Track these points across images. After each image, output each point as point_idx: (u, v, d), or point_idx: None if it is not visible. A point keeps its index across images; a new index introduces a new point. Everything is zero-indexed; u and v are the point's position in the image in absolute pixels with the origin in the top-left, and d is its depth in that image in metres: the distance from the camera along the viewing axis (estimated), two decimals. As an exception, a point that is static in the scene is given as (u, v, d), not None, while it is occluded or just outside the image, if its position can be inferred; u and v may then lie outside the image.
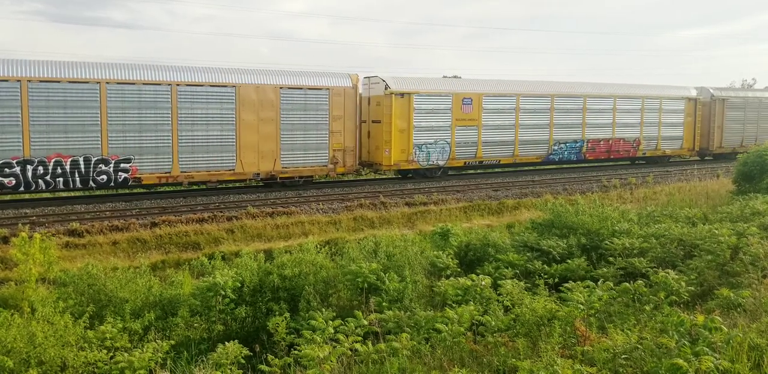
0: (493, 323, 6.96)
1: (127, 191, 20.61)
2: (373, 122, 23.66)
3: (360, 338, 6.47)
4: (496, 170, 28.19)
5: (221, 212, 17.30)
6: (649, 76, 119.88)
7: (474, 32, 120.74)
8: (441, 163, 24.34)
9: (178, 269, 12.65)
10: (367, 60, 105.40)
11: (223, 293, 8.48)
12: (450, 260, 10.35)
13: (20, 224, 14.83)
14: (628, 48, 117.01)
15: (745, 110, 34.22)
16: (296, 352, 6.14)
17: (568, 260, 10.33)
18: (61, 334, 6.94)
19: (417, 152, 23.72)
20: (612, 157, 29.72)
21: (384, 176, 25.49)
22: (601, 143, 29.09)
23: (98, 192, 20.18)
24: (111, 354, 6.93)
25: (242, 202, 18.82)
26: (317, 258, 9.65)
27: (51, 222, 15.87)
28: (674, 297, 7.36)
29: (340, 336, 6.40)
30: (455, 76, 26.64)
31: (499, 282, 8.54)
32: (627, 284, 7.55)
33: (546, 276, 9.50)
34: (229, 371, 6.24)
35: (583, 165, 30.51)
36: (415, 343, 6.47)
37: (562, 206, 12.94)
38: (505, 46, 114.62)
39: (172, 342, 7.35)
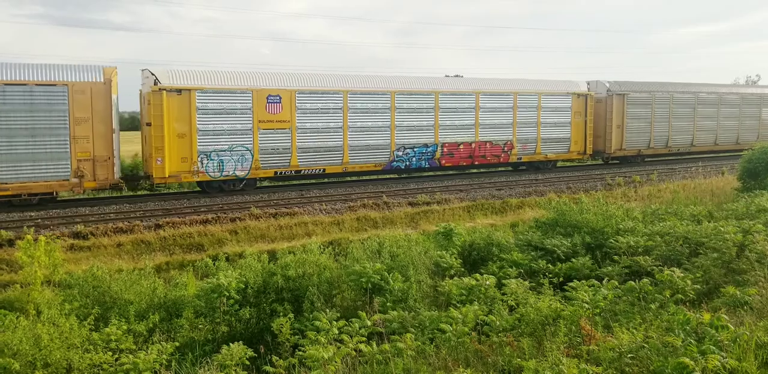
0: (498, 323, 6.94)
1: (131, 193, 20.67)
2: (147, 124, 19.34)
3: (364, 338, 6.46)
4: (500, 169, 27.43)
5: (224, 213, 17.32)
6: (649, 74, 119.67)
7: (474, 31, 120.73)
8: (240, 173, 20.24)
9: (182, 270, 12.66)
10: (367, 60, 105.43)
11: (227, 294, 8.49)
12: (454, 259, 10.33)
13: (25, 227, 14.86)
14: (630, 46, 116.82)
15: (653, 107, 30.02)
16: (301, 353, 6.13)
17: (573, 259, 10.30)
18: (67, 336, 6.95)
19: (205, 161, 19.54)
20: (477, 163, 25.41)
21: (384, 176, 25.41)
22: (461, 147, 24.75)
23: (103, 194, 20.24)
24: (116, 356, 6.94)
25: (245, 203, 18.84)
26: (321, 259, 9.64)
27: (56, 225, 15.91)
28: (680, 296, 7.33)
29: (345, 337, 6.39)
30: (457, 75, 26.32)
31: (503, 281, 8.52)
32: (632, 282, 7.52)
33: (550, 275, 9.47)
34: (233, 372, 6.24)
35: (439, 173, 26.29)
36: (419, 343, 6.45)
37: (566, 204, 12.91)
38: (505, 44, 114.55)
39: (177, 343, 7.36)
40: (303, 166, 21.42)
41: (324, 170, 21.94)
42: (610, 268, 9.67)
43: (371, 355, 6.05)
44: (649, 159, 31.38)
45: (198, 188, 20.92)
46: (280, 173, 21.11)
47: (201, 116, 19.40)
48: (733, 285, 7.73)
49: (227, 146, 19.95)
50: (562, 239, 11.32)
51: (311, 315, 7.81)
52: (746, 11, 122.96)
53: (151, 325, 8.17)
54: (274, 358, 6.32)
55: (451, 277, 9.36)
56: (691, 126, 31.71)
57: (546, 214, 13.45)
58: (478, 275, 8.67)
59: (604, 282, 7.78)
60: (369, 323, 6.86)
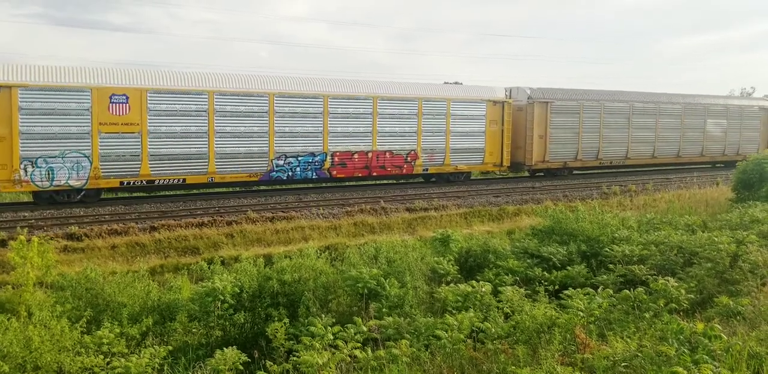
0: (493, 330, 6.94)
1: (127, 194, 20.59)
2: None
3: (359, 344, 6.45)
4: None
5: (221, 216, 17.29)
6: (645, 85, 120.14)
7: (473, 38, 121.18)
8: (75, 183, 17.67)
9: (177, 273, 12.61)
10: (367, 65, 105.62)
11: (222, 298, 8.46)
12: (450, 266, 10.34)
13: (18, 228, 14.78)
14: (627, 57, 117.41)
15: (581, 116, 27.43)
16: (295, 358, 6.12)
17: (568, 267, 10.33)
18: (58, 339, 6.91)
19: (30, 169, 16.99)
20: (375, 174, 22.96)
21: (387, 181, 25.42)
22: (355, 156, 22.27)
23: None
24: (108, 359, 6.90)
25: (242, 206, 18.81)
26: (317, 264, 9.63)
27: (49, 226, 15.85)
28: (674, 305, 7.35)
29: (340, 343, 6.38)
30: (456, 82, 26.30)
31: (499, 288, 8.53)
32: (627, 291, 7.54)
33: (546, 283, 9.49)
34: (227, 377, 6.21)
35: (330, 184, 23.45)
36: (414, 350, 6.45)
37: (562, 212, 12.95)
38: (504, 52, 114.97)
39: (170, 347, 7.33)
40: (157, 175, 18.83)
41: (184, 180, 19.30)
42: (605, 277, 9.70)
43: (366, 361, 6.04)
44: (577, 172, 29.22)
45: (31, 200, 18.78)
46: (128, 183, 18.53)
47: (25, 116, 16.88)
48: (726, 294, 7.76)
49: (58, 152, 17.36)
50: (558, 247, 11.35)
51: (306, 320, 7.79)
52: (747, 22, 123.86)
53: (144, 328, 8.12)
54: (268, 363, 6.30)
55: (448, 283, 9.36)
56: (625, 137, 29.20)
57: (542, 222, 13.48)
58: (474, 282, 8.68)
59: (599, 290, 7.80)
60: (364, 329, 6.85)
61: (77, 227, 15.35)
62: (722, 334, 5.34)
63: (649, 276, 9.19)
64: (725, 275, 9.06)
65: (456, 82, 26.31)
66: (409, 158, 23.57)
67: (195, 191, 21.53)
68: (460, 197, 21.81)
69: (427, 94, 23.94)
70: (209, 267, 10.44)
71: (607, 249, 10.86)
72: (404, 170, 23.49)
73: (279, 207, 19.01)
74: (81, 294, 8.90)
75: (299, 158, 21.25)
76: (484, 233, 15.54)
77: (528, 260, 10.79)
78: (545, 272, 10.16)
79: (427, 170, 24.03)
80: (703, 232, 11.67)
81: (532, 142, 26.11)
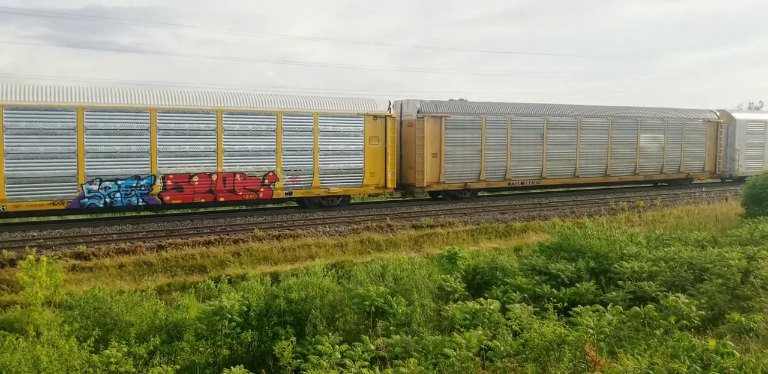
0: (502, 348, 6.87)
1: (134, 213, 20.66)
2: None
3: (367, 363, 6.40)
4: (504, 192, 26.90)
5: (228, 234, 17.32)
6: (649, 101, 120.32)
7: (479, 56, 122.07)
8: None
9: (184, 292, 12.60)
10: (373, 83, 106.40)
11: (229, 316, 8.44)
12: (458, 283, 10.28)
13: (27, 247, 14.86)
14: (633, 71, 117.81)
15: (483, 131, 24.53)
16: (302, 377, 6.08)
17: (577, 284, 10.24)
18: (66, 358, 6.90)
19: None
20: (222, 199, 19.86)
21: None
22: (195, 179, 19.27)
23: (105, 215, 20.19)
24: (116, 378, 6.88)
25: (249, 225, 18.85)
26: (324, 282, 9.61)
27: (58, 245, 15.92)
28: (685, 322, 7.27)
29: (347, 361, 6.34)
30: (461, 99, 26.34)
31: (507, 306, 8.46)
32: (637, 308, 7.47)
33: (555, 300, 9.40)
34: (234, 396, 6.17)
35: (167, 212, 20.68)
36: (423, 368, 6.39)
37: (570, 229, 12.88)
38: (509, 68, 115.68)
39: (178, 366, 7.30)
40: None
41: None
42: (614, 293, 9.61)
43: (374, 380, 5.98)
44: (483, 194, 26.66)
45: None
46: None
47: None
48: (738, 311, 7.66)
49: None
50: (566, 263, 11.27)
51: (314, 339, 7.75)
52: (753, 37, 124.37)
53: (151, 348, 8.10)
54: (276, 382, 6.26)
55: (455, 301, 9.31)
56: (539, 155, 26.27)
57: (550, 238, 13.41)
58: (482, 299, 8.62)
59: (608, 307, 7.73)
60: (372, 347, 6.81)
61: (85, 247, 15.41)
62: (735, 351, 5.27)
63: (659, 293, 9.10)
64: (736, 291, 8.96)
65: (461, 99, 26.27)
66: (266, 181, 20.47)
67: (202, 210, 21.58)
68: (466, 213, 21.78)
69: (288, 107, 20.77)
70: (216, 286, 10.44)
71: (616, 266, 10.78)
72: (261, 194, 20.46)
73: (285, 225, 19.04)
74: (89, 313, 8.91)
75: (119, 182, 18.30)
76: (491, 250, 15.48)
77: (536, 277, 10.71)
78: (554, 290, 10.08)
79: (290, 193, 20.99)
80: (713, 248, 11.57)
81: (423, 161, 23.23)
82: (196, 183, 19.47)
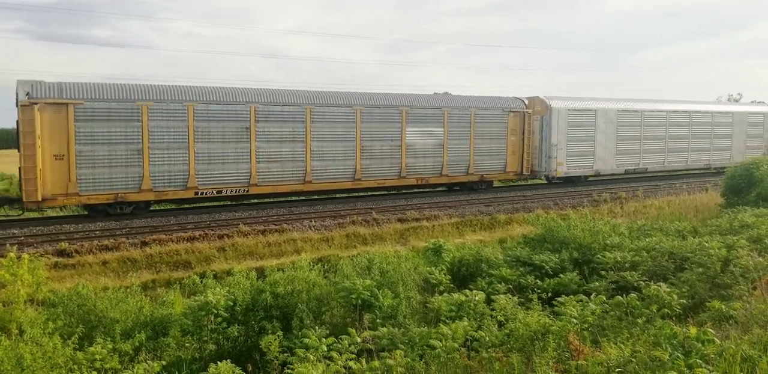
0: (487, 338, 6.94)
1: (118, 210, 20.45)
2: None
3: (354, 355, 6.42)
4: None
5: (212, 230, 17.22)
6: (633, 92, 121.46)
7: (462, 49, 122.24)
8: None
9: (169, 288, 12.53)
10: (357, 77, 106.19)
11: (215, 312, 8.42)
12: (443, 276, 10.34)
13: (8, 245, 14.67)
14: (615, 63, 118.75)
15: (145, 124, 18.20)
16: (289, 371, 6.08)
17: (561, 275, 10.36)
18: (50, 356, 6.84)
19: None
20: None
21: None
22: None
23: (87, 211, 19.98)
24: (101, 375, 6.84)
25: (233, 220, 18.75)
26: (310, 276, 9.61)
27: (39, 242, 15.72)
28: (666, 310, 7.38)
29: (334, 354, 6.36)
30: (446, 93, 26.29)
31: (492, 297, 8.54)
32: (619, 297, 7.57)
33: (539, 291, 9.51)
34: (221, 391, 6.16)
35: None
36: (409, 360, 6.43)
37: (553, 220, 13.00)
38: (492, 62, 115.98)
39: (164, 362, 7.26)
40: None
41: None
42: (597, 283, 9.73)
43: (361, 372, 6.01)
44: (160, 208, 21.10)
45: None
46: None
47: None
48: (718, 299, 7.80)
49: None
50: (550, 254, 11.39)
51: (300, 333, 7.76)
52: (732, 29, 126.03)
53: (137, 344, 8.06)
54: (263, 376, 6.26)
55: (441, 293, 9.36)
56: (246, 154, 19.87)
57: (534, 230, 13.53)
58: (467, 291, 8.68)
59: (591, 297, 7.83)
60: (359, 340, 6.83)
61: (67, 244, 15.24)
62: (715, 338, 5.37)
63: (641, 282, 9.23)
64: (717, 279, 9.12)
65: (446, 93, 26.26)
66: None
67: (186, 206, 21.41)
68: (451, 207, 21.85)
69: None
70: (201, 281, 10.39)
71: (599, 256, 10.91)
72: None
73: (271, 220, 18.96)
74: (73, 310, 8.83)
75: None
76: (476, 243, 15.57)
77: (520, 269, 10.82)
78: (538, 280, 10.18)
79: None
80: (694, 238, 11.75)
81: (35, 165, 16.66)
82: None
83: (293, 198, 22.67)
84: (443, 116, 24.15)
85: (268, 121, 20.26)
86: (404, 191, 24.89)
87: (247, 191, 20.20)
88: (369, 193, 23.18)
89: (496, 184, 27.59)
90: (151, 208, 19.88)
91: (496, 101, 25.84)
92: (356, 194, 23.79)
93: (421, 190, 25.53)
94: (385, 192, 24.41)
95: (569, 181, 28.12)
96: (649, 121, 30.33)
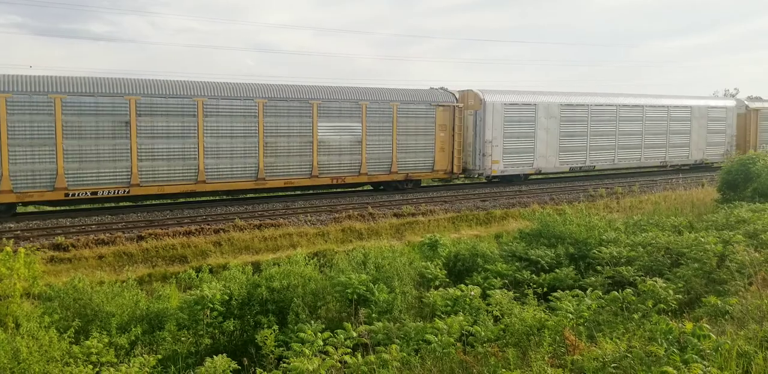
0: (483, 333, 6.95)
1: (113, 204, 20.41)
2: None
3: (349, 350, 6.43)
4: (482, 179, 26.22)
5: (208, 224, 17.20)
6: (630, 87, 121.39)
7: (458, 43, 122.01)
8: None
9: (165, 282, 12.53)
10: (352, 72, 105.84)
11: (211, 306, 8.41)
12: (439, 270, 10.35)
13: (4, 239, 14.63)
14: (610, 59, 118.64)
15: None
16: (285, 365, 6.09)
17: (557, 270, 10.37)
18: (46, 349, 6.83)
19: None
20: None
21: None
22: None
23: (84, 206, 19.93)
24: (97, 369, 6.83)
25: (229, 214, 18.72)
26: (306, 270, 9.60)
27: (36, 236, 15.68)
28: (662, 305, 7.40)
29: (330, 349, 6.36)
30: (442, 88, 26.22)
31: (488, 292, 8.55)
32: (615, 292, 7.58)
33: (535, 286, 9.52)
34: (217, 385, 6.16)
35: None
36: (404, 354, 6.44)
37: (549, 215, 13.01)
38: (490, 57, 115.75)
39: (159, 356, 7.26)
40: None
41: None
42: (593, 278, 9.74)
43: (356, 367, 6.02)
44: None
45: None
46: None
47: None
48: (714, 294, 7.82)
49: None
50: (545, 249, 11.40)
51: (296, 327, 7.76)
52: (728, 24, 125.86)
53: (133, 338, 8.06)
54: (258, 371, 6.27)
55: (436, 288, 9.37)
56: (126, 150, 18.10)
57: (530, 225, 13.54)
58: (463, 285, 8.69)
59: (587, 292, 7.83)
60: (354, 334, 6.83)
61: (63, 238, 15.21)
62: (711, 333, 5.37)
63: (637, 277, 9.25)
64: (712, 275, 9.13)
65: (442, 88, 26.13)
66: None
67: (182, 200, 21.37)
68: (447, 201, 21.86)
69: None
70: (197, 276, 10.39)
71: (594, 251, 10.92)
72: None
73: (266, 214, 18.95)
74: (69, 304, 8.82)
75: None
76: (472, 237, 15.59)
77: (516, 264, 10.83)
78: (534, 275, 10.19)
79: None
80: (690, 233, 11.76)
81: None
82: None
83: (290, 193, 22.61)
84: (361, 110, 22.21)
85: (153, 114, 18.42)
86: (320, 191, 23.38)
87: (128, 192, 18.37)
88: (274, 194, 21.35)
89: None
90: (17, 210, 18.05)
91: (422, 95, 24.18)
92: (263, 195, 21.85)
93: (342, 189, 23.99)
94: (301, 192, 22.80)
95: (506, 180, 26.44)
96: (597, 116, 28.32)
